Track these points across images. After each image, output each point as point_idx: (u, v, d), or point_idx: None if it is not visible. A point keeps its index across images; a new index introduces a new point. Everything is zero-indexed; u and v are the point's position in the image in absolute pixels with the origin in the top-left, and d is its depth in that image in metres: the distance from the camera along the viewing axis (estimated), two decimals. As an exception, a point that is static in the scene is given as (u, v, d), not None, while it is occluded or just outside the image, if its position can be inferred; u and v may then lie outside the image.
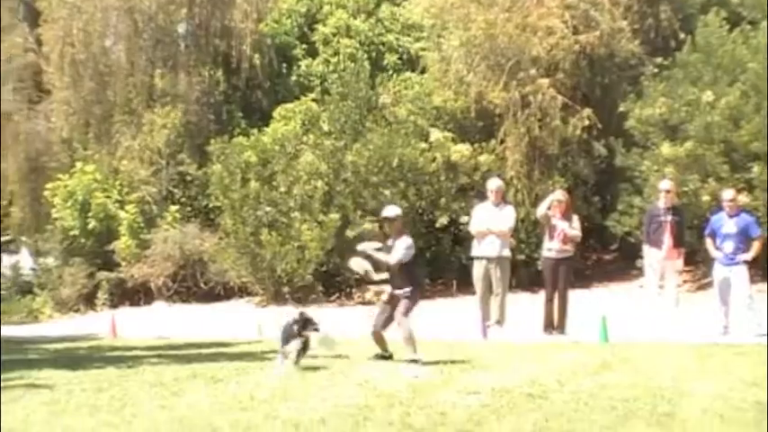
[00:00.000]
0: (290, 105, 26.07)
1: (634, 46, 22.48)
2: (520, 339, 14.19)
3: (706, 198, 19.10)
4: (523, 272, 20.85)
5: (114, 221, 26.56)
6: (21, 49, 28.86)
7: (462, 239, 20.95)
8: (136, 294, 26.11)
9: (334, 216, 22.74)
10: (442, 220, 22.56)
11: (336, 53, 28.39)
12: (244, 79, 28.47)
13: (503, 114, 22.70)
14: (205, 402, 9.12)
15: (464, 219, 20.27)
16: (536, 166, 22.42)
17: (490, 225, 15.27)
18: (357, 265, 11.50)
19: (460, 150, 22.62)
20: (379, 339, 11.68)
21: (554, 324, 15.10)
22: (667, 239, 14.61)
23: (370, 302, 21.73)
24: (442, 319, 15.91)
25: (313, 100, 26.09)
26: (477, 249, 15.50)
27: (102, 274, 26.30)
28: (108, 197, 26.89)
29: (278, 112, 26.07)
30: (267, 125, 25.80)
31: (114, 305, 25.54)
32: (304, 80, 28.58)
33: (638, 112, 21.06)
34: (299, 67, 28.99)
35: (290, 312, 11.54)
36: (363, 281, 20.97)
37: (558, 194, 15.85)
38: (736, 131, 19.69)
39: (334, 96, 24.93)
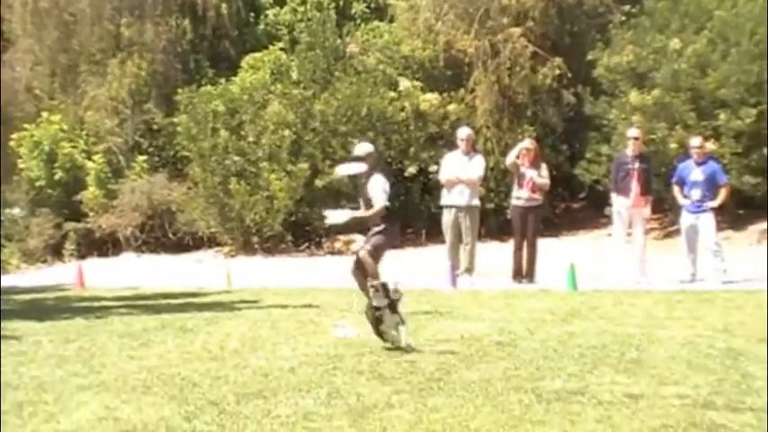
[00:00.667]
0: (258, 55, 25.78)
1: (602, -7, 22.46)
2: (489, 288, 14.28)
3: (673, 146, 19.15)
4: (492, 220, 20.88)
5: (81, 172, 26.27)
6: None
7: (431, 188, 20.92)
8: (104, 245, 25.91)
9: (303, 166, 22.61)
10: (411, 170, 22.51)
11: (304, 2, 28.12)
12: (211, 28, 28.09)
13: (472, 63, 22.60)
14: (174, 353, 9.13)
15: (433, 168, 20.22)
16: (505, 115, 22.36)
17: (459, 174, 15.33)
18: (336, 216, 9.76)
19: (429, 99, 22.54)
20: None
21: (523, 272, 15.22)
22: (635, 187, 14.67)
23: (339, 252, 21.76)
24: (411, 267, 15.92)
25: (281, 49, 25.83)
26: (446, 198, 15.57)
27: (70, 225, 26.05)
28: (74, 147, 26.55)
29: (246, 61, 25.80)
30: (235, 74, 25.53)
31: (82, 256, 25.33)
32: (272, 29, 28.28)
33: (605, 60, 21.02)
34: (266, 16, 28.66)
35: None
36: (332, 230, 21.10)
37: (527, 143, 15.91)
38: (703, 79, 19.72)
39: (302, 46, 24.72)
